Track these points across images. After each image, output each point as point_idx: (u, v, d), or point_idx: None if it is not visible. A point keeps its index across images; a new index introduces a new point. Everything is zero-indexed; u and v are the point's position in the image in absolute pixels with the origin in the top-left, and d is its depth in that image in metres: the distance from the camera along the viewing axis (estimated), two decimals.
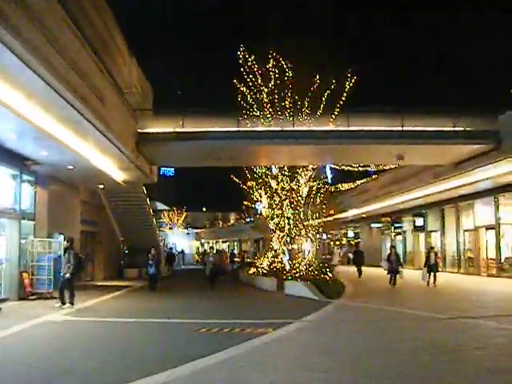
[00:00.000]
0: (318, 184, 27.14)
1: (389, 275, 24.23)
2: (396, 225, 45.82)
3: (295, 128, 23.13)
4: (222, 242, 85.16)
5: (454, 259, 34.68)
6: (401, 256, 43.45)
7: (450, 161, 26.07)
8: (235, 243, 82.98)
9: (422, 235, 40.15)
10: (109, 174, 22.76)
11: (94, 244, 30.83)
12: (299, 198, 26.54)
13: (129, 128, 21.41)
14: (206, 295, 22.45)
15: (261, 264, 28.50)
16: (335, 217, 29.12)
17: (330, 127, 22.83)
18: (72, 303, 16.29)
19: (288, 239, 26.78)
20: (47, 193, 21.77)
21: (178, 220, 67.64)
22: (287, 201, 26.70)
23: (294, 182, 26.75)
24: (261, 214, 32.43)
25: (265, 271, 26.80)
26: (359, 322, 14.12)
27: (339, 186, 35.79)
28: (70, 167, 20.34)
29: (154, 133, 22.92)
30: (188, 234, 71.99)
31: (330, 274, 23.66)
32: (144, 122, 23.10)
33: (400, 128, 22.71)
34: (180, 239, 65.35)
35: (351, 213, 44.71)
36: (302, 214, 26.57)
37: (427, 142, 22.86)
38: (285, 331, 12.03)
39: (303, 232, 26.64)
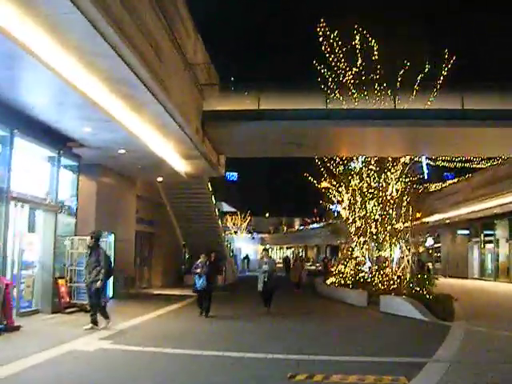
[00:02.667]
0: (411, 181, 22.80)
1: None
2: (486, 232, 40.61)
3: (393, 107, 18.85)
4: (287, 247, 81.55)
5: None
6: (490, 267, 39.41)
7: None
8: (300, 249, 79.15)
9: None
10: (169, 163, 19.06)
11: (152, 247, 27.30)
12: (388, 197, 22.31)
13: (192, 102, 17.51)
14: (281, 313, 17.33)
15: (341, 272, 24.33)
16: (422, 221, 24.66)
17: (437, 106, 18.42)
18: (107, 317, 12.37)
19: (374, 245, 22.57)
20: (95, 183, 18.34)
21: (241, 224, 64.38)
22: (374, 200, 22.56)
23: (383, 179, 22.58)
24: (338, 216, 28.37)
25: (349, 282, 22.59)
26: None
27: (429, 185, 31.20)
28: (122, 151, 16.77)
29: (225, 110, 18.93)
30: (253, 238, 68.32)
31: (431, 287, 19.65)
32: (211, 100, 19.25)
33: None
34: (245, 244, 61.90)
35: (434, 218, 39.86)
36: (390, 216, 22.34)
37: None
38: (427, 381, 7.81)
39: (391, 237, 22.38)
